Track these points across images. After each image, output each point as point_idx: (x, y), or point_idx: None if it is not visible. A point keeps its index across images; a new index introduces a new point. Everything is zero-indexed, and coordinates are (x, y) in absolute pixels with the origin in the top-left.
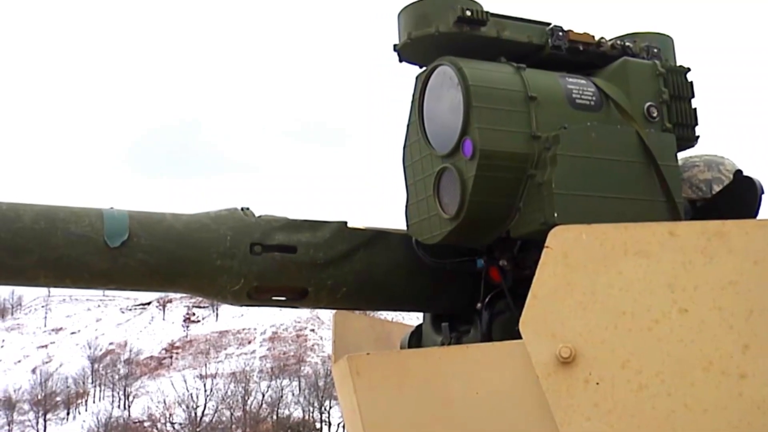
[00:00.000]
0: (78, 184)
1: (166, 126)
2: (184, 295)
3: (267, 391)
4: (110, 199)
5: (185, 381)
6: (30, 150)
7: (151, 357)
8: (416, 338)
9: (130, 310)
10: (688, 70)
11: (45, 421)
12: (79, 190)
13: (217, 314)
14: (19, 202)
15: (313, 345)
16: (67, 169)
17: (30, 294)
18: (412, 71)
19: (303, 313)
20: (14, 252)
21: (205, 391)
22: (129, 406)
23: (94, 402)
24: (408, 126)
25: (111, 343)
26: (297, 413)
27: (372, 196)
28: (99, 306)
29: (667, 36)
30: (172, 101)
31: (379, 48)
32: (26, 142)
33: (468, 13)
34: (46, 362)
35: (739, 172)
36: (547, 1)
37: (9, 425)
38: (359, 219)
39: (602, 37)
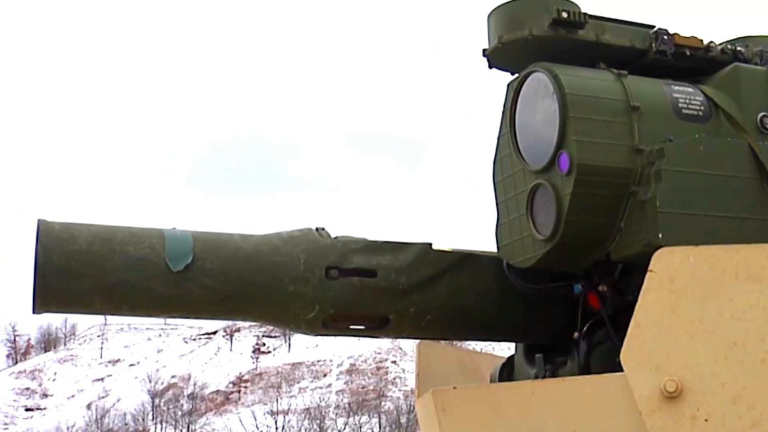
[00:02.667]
0: (139, 203)
1: (227, 142)
2: (254, 323)
3: (344, 428)
4: (172, 218)
5: (254, 418)
6: (91, 170)
7: (218, 391)
8: (507, 371)
9: (195, 339)
10: None
11: None
12: (141, 210)
13: (289, 344)
14: (73, 221)
15: (394, 378)
16: (129, 188)
17: (85, 322)
18: (502, 79)
19: (383, 344)
20: (67, 276)
21: (277, 428)
22: None
23: None
24: (498, 138)
25: (173, 376)
26: None
27: (457, 214)
28: (160, 335)
29: None
30: (233, 118)
31: (463, 51)
32: (87, 161)
33: (564, 14)
34: (103, 397)
35: None
36: (643, 3)
37: None
38: (445, 240)
39: (711, 42)
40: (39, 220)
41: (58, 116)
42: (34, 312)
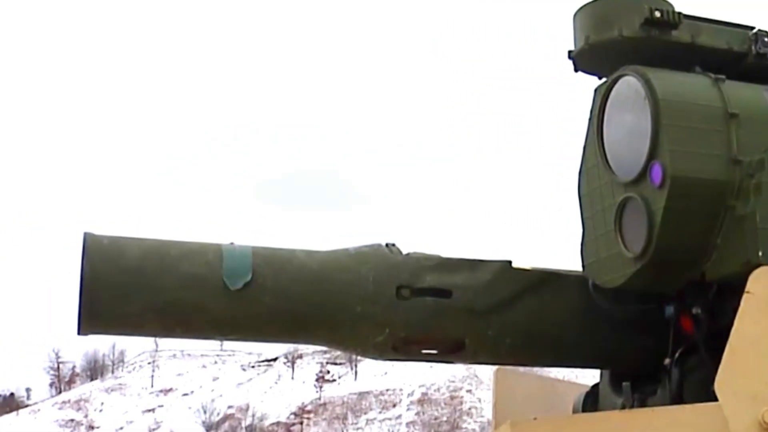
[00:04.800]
0: (207, 219)
1: (302, 168)
2: (318, 348)
3: None
4: (236, 233)
5: None
6: (155, 185)
7: (278, 423)
8: (592, 400)
9: (253, 367)
10: None
11: None
12: (207, 226)
13: (356, 372)
14: (122, 235)
15: (469, 408)
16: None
17: (134, 348)
18: (590, 83)
19: (458, 370)
20: (116, 295)
21: None
22: None
23: None
24: (585, 147)
25: (230, 407)
26: None
27: (540, 229)
28: (216, 362)
29: None
30: (309, 143)
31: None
32: (148, 176)
33: (657, 14)
34: (153, 429)
35: None
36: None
37: None
38: (525, 258)
39: None
40: (85, 234)
41: (125, 129)
42: (79, 333)
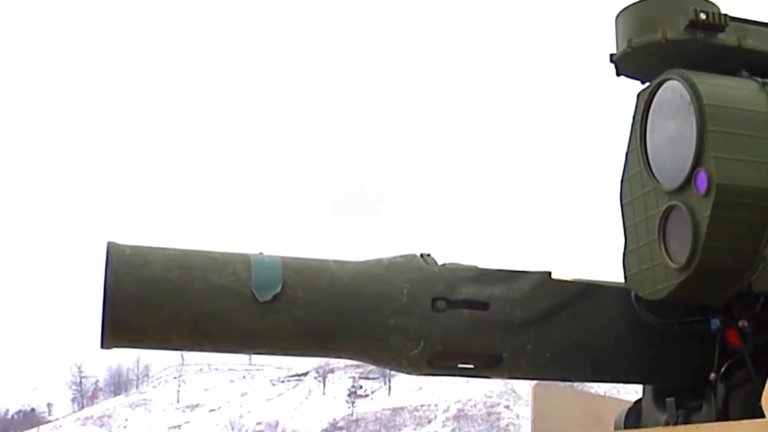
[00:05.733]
0: (206, 220)
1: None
2: (350, 362)
3: None
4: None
5: None
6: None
7: None
8: (634, 417)
9: (283, 381)
10: None
11: None
12: (207, 227)
13: (389, 387)
14: (146, 245)
15: (507, 425)
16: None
17: (159, 362)
18: (632, 88)
19: (495, 386)
20: (141, 307)
21: None
22: None
23: None
24: (627, 154)
25: (259, 423)
26: None
27: (581, 239)
28: (244, 377)
29: None
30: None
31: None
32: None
33: (702, 15)
34: None
35: None
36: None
37: None
38: (565, 269)
39: None
40: (109, 243)
41: (127, 130)
42: (102, 347)
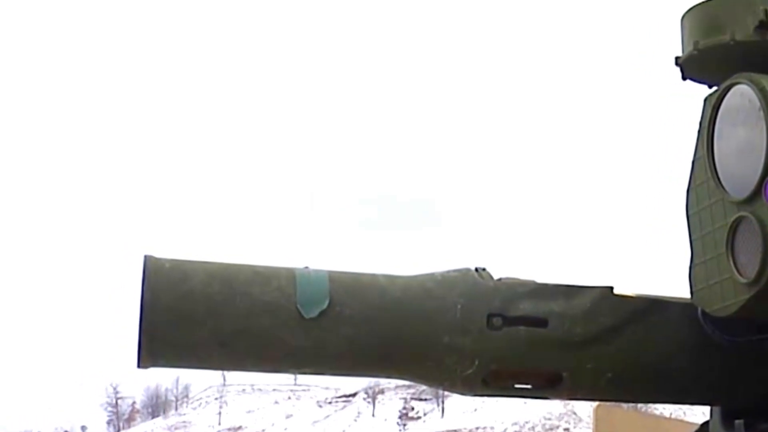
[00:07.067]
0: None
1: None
2: (401, 382)
3: None
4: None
5: None
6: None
7: None
8: None
9: (330, 403)
10: None
11: None
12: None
13: (442, 408)
14: (185, 258)
15: None
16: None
17: (200, 382)
18: (699, 92)
19: (555, 407)
20: (180, 323)
21: None
22: None
23: None
24: (693, 163)
25: None
26: None
27: (642, 250)
28: (290, 398)
29: None
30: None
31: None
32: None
33: None
34: None
35: None
36: None
37: None
38: (629, 283)
39: None
40: (146, 257)
41: (133, 131)
42: (139, 366)
